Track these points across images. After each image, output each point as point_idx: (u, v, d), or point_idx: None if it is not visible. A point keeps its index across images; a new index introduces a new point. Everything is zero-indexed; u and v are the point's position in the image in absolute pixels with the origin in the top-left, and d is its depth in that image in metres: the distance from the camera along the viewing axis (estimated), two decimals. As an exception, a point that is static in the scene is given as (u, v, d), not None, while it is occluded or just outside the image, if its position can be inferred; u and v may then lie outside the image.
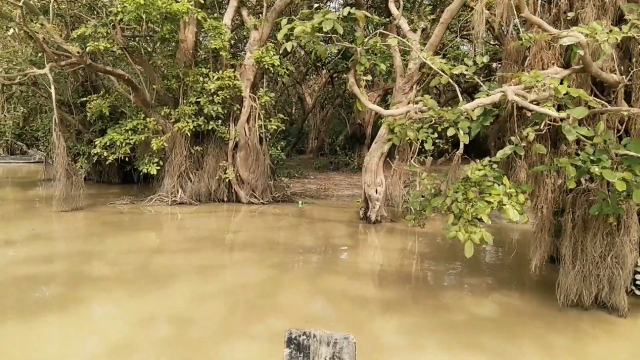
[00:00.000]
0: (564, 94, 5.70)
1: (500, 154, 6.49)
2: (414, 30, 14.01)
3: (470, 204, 6.09)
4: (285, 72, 15.58)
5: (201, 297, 7.28)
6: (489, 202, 6.10)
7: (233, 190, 15.50)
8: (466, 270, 9.04)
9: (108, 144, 14.53)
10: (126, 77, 13.85)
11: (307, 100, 33.54)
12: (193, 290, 7.63)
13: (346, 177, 20.85)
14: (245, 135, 15.26)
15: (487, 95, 6.57)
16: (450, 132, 5.96)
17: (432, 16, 15.82)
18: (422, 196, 7.26)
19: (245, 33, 17.24)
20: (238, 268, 9.03)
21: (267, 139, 15.64)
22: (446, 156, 13.09)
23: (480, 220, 6.26)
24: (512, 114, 7.14)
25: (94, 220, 12.97)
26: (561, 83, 5.72)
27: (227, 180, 15.26)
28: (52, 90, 12.83)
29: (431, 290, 8.02)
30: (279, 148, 15.85)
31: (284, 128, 15.76)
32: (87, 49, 12.71)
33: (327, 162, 23.63)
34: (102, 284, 7.69)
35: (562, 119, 6.04)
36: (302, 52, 33.55)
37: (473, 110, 6.28)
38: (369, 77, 6.91)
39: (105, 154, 14.66)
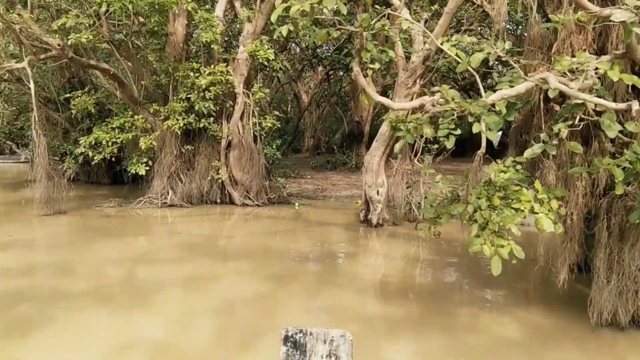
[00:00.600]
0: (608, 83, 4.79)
1: (528, 153, 5.58)
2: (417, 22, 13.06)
3: (496, 212, 5.18)
4: (280, 67, 14.64)
5: (188, 318, 6.35)
6: (517, 210, 5.19)
7: (226, 192, 14.55)
8: (480, 282, 8.14)
9: (93, 143, 13.54)
10: (112, 72, 12.87)
11: (303, 98, 32.63)
12: (179, 308, 6.69)
13: (344, 177, 19.93)
14: (239, 133, 14.31)
15: (511, 86, 5.66)
16: (476, 128, 5.03)
17: (435, 6, 14.87)
18: (429, 202, 6.34)
19: (238, 26, 16.25)
20: (230, 280, 8.08)
21: (262, 138, 14.69)
22: (444, 154, 12.18)
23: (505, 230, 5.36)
24: (539, 107, 6.24)
25: (77, 225, 12.00)
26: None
27: (219, 181, 14.31)
28: (32, 86, 11.84)
29: (443, 306, 7.11)
30: (274, 147, 14.91)
31: (279, 126, 14.82)
32: (69, 42, 11.70)
33: (324, 161, 22.70)
34: (76, 302, 6.74)
35: (598, 113, 5.15)
36: (298, 49, 32.77)
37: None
38: (377, 66, 5.94)
39: (90, 153, 13.67)
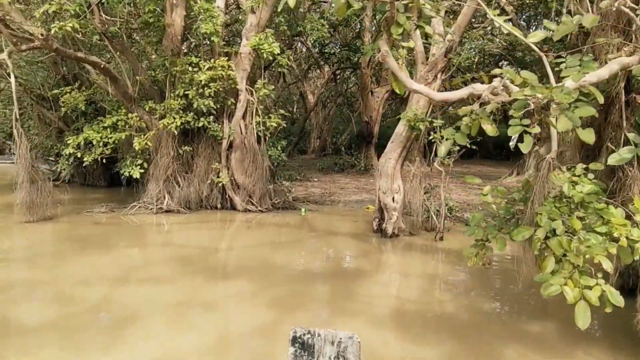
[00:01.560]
0: None
1: (614, 159, 4.17)
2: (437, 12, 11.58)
3: (577, 238, 3.74)
4: (286, 62, 13.19)
5: (167, 362, 4.93)
6: (606, 235, 3.75)
7: (227, 196, 13.13)
8: (523, 310, 6.69)
9: (85, 143, 12.16)
10: (102, 66, 11.47)
11: (309, 99, 31.23)
12: (159, 347, 5.27)
13: (352, 180, 18.47)
14: (241, 133, 12.89)
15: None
16: (563, 125, 3.59)
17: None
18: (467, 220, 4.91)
19: (241, 17, 14.81)
20: (225, 307, 6.66)
21: (266, 138, 13.27)
22: (453, 156, 10.68)
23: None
24: (619, 99, 4.79)
25: (60, 234, 10.61)
26: None
27: (220, 184, 12.90)
28: (12, 79, 10.47)
29: (483, 342, 5.66)
30: (279, 148, 13.48)
31: (284, 126, 13.39)
32: (52, 31, 10.30)
33: (331, 163, 21.24)
34: (32, 339, 5.33)
35: None
36: (304, 49, 31.36)
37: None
38: (412, 44, 4.49)
39: (79, 154, 12.28)
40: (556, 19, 19.89)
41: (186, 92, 12.17)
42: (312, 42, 18.47)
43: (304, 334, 2.69)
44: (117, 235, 10.67)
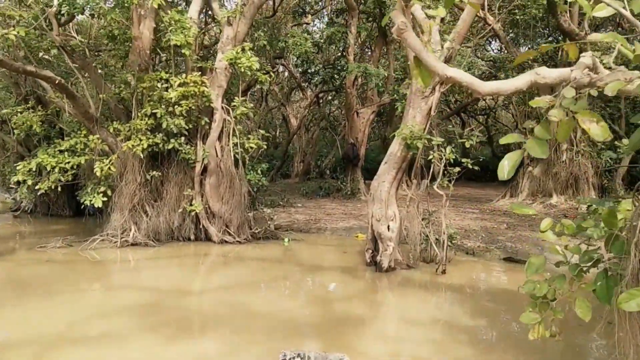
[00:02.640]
0: None
1: None
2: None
3: None
4: (266, 79, 11.70)
5: None
6: None
7: (202, 226, 11.45)
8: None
9: (45, 169, 10.43)
10: (57, 82, 9.83)
11: (292, 122, 29.81)
12: None
13: (339, 205, 16.91)
14: (217, 156, 11.29)
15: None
16: None
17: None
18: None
19: (218, 30, 13.33)
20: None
21: (245, 161, 11.68)
22: (448, 176, 9.19)
23: None
24: None
25: None
26: None
27: (193, 213, 11.22)
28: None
29: None
30: (259, 172, 11.88)
31: (265, 147, 11.82)
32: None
33: (315, 187, 19.68)
34: None
35: None
36: (286, 72, 30.09)
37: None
38: (442, 12, 2.93)
39: (29, 181, 10.54)
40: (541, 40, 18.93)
41: (154, 111, 10.57)
42: (295, 58, 17.05)
43: (294, 357, 2.84)
44: (69, 275, 8.91)
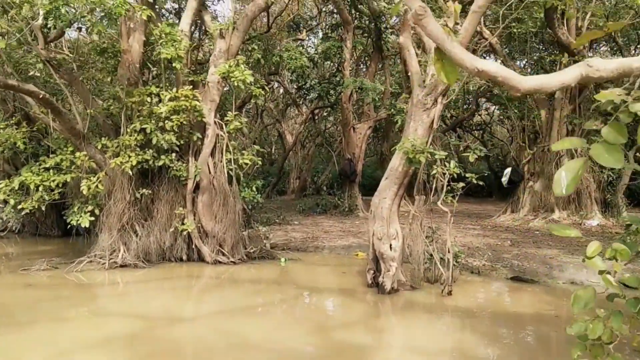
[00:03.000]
0: None
1: None
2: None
3: None
4: (260, 93, 11.21)
5: None
6: None
7: (194, 246, 10.84)
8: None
9: (18, 187, 9.84)
10: (41, 96, 9.30)
11: (288, 138, 29.35)
12: None
13: (336, 222, 16.34)
14: (209, 173, 10.74)
15: None
16: None
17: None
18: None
19: (211, 46, 12.88)
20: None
21: (239, 178, 11.14)
22: (451, 192, 8.63)
23: None
24: None
25: (-23, 301, 8.18)
26: None
27: (185, 233, 10.62)
28: None
29: None
30: (254, 189, 11.32)
31: (259, 163, 11.29)
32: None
33: (312, 203, 19.10)
34: None
35: None
36: (282, 90, 29.72)
37: None
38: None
39: (11, 201, 9.94)
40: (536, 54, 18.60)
41: (144, 127, 10.03)
42: (290, 73, 16.61)
43: None
44: (52, 301, 8.27)
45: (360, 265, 10.77)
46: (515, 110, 20.35)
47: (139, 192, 10.35)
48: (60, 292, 8.78)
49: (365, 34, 17.76)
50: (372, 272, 8.86)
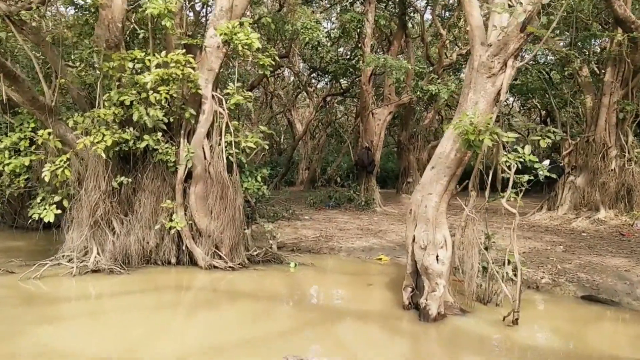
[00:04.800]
0: None
1: None
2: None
3: None
4: (270, 62, 8.80)
5: None
6: None
7: (185, 248, 8.53)
8: None
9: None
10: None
11: (297, 127, 26.99)
12: None
13: (352, 218, 13.98)
14: (205, 158, 8.38)
15: None
16: None
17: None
18: None
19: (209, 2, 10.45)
20: None
21: (241, 166, 8.80)
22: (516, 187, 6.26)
23: None
24: None
25: None
26: None
27: (174, 231, 8.31)
28: None
29: None
30: (259, 179, 8.93)
31: (267, 147, 8.93)
32: None
33: (324, 196, 16.72)
34: None
35: None
36: (292, 77, 27.38)
37: None
38: None
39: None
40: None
41: (123, 98, 7.69)
42: (304, 45, 14.17)
43: None
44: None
45: (388, 273, 8.44)
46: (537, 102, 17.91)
47: (116, 181, 8.02)
48: (3, 310, 6.46)
49: (390, 6, 15.23)
50: (410, 289, 6.50)
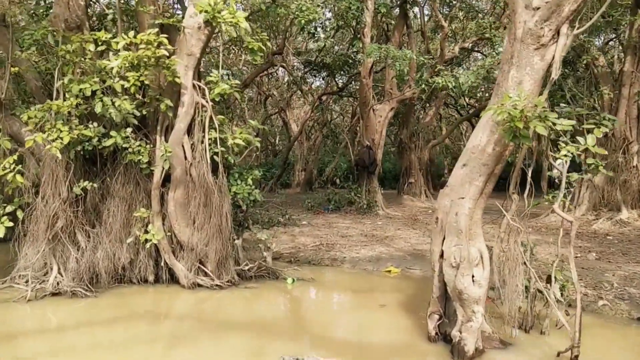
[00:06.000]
0: None
1: None
2: None
3: None
4: (259, 47, 7.36)
5: None
6: None
7: (163, 264, 7.07)
8: None
9: None
10: None
11: (293, 128, 25.60)
12: None
13: (354, 222, 12.56)
14: (185, 159, 6.93)
15: None
16: None
17: None
18: None
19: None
20: None
21: (229, 167, 7.37)
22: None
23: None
24: None
25: None
26: None
27: (150, 245, 6.85)
28: None
29: None
30: (249, 182, 7.45)
31: (258, 145, 7.48)
32: None
33: (323, 199, 15.27)
34: None
35: None
36: (286, 77, 26.00)
37: None
38: None
39: None
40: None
41: (83, 87, 6.24)
42: (300, 30, 12.74)
43: None
44: None
45: (401, 289, 7.05)
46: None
47: (78, 186, 6.56)
48: None
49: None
50: (436, 317, 5.08)
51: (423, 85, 12.01)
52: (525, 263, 4.96)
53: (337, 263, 8.78)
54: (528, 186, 5.16)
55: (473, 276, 4.73)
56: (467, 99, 23.16)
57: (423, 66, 14.02)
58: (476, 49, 19.18)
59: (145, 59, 6.35)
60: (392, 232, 11.06)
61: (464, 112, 24.19)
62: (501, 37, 12.04)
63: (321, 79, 17.80)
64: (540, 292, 5.29)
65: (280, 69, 23.34)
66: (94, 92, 6.34)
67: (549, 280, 5.31)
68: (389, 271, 8.26)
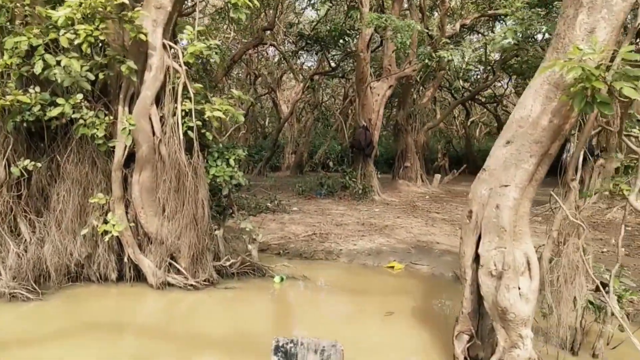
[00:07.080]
0: None
1: None
2: None
3: None
4: (245, 2, 5.95)
5: None
6: None
7: (127, 259, 5.76)
8: None
9: None
10: None
11: (283, 109, 24.20)
12: None
13: (349, 209, 11.32)
14: (153, 134, 5.57)
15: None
16: None
17: None
18: None
19: None
20: None
21: (206, 144, 6.04)
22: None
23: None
24: None
25: None
26: None
27: (110, 237, 5.52)
28: None
29: None
30: (231, 162, 6.11)
31: (242, 119, 6.13)
32: None
33: (315, 183, 13.98)
34: None
35: None
36: (277, 57, 24.53)
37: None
38: None
39: None
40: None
41: (19, 40, 4.84)
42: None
43: (287, 343, 2.39)
44: None
45: (408, 290, 5.86)
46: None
47: (16, 166, 5.19)
48: None
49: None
50: (466, 338, 3.86)
51: (426, 60, 10.71)
52: (587, 271, 3.75)
53: (332, 256, 7.54)
54: (579, 173, 3.98)
55: (519, 289, 3.51)
56: (461, 82, 21.97)
57: (423, 42, 12.70)
58: (475, 29, 17.91)
59: (100, 9, 4.96)
60: (391, 221, 9.84)
61: (457, 95, 23.07)
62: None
63: (314, 56, 16.33)
64: (592, 303, 4.13)
65: (271, 47, 21.85)
66: (34, 49, 4.95)
67: (597, 289, 4.13)
68: (392, 267, 7.06)
